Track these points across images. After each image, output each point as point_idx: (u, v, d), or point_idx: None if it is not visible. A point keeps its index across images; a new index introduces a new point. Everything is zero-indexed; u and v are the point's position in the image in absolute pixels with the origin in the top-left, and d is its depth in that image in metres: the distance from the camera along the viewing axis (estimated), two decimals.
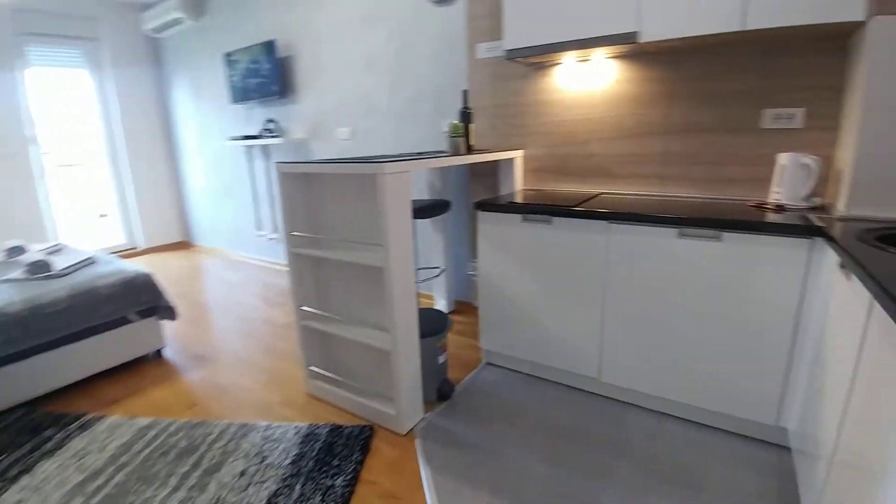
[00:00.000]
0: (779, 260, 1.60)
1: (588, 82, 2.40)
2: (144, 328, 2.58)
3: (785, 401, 1.69)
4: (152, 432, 1.98)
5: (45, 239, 4.43)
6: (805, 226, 1.53)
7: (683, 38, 1.87)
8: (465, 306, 3.25)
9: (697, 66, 2.10)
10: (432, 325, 2.10)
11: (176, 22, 4.47)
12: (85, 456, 1.84)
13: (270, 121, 4.09)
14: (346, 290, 2.13)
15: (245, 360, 2.65)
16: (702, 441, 1.82)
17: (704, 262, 1.74)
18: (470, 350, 2.63)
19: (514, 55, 2.28)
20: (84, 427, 2.03)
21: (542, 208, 2.06)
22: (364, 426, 1.97)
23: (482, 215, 2.23)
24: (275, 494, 1.61)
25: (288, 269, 2.14)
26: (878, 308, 0.97)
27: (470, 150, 2.43)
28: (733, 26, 1.73)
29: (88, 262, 2.67)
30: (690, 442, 1.82)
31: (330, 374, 2.23)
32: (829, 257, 1.46)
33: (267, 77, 3.88)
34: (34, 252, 2.75)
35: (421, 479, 1.68)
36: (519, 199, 2.28)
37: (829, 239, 1.40)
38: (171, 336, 2.97)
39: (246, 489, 1.64)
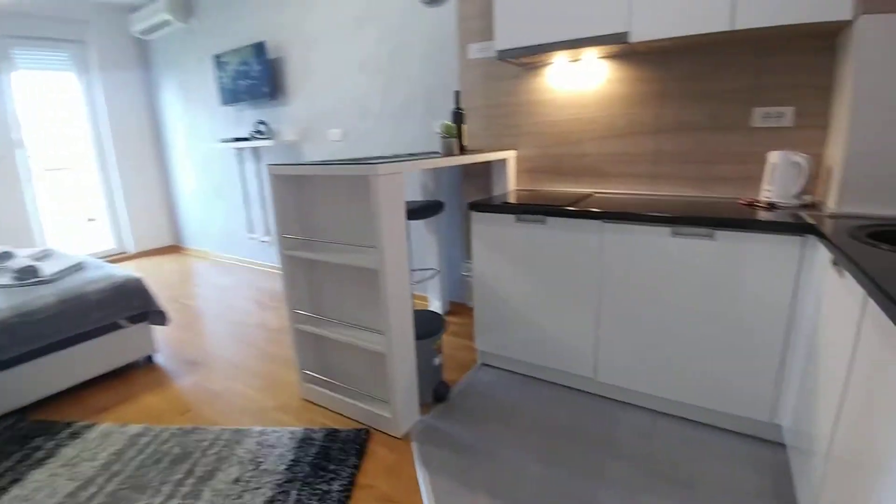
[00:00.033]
0: (771, 257, 1.61)
1: (580, 82, 2.41)
2: (135, 334, 2.55)
3: (779, 397, 1.70)
4: (144, 439, 1.95)
5: (32, 244, 4.38)
6: (797, 223, 1.55)
7: (673, 38, 1.87)
8: (459, 307, 3.25)
9: (688, 66, 2.12)
10: (427, 326, 2.09)
11: (164, 24, 4.42)
12: (76, 465, 1.81)
13: (261, 122, 4.06)
14: (340, 293, 2.11)
15: (238, 364, 2.63)
16: (697, 439, 1.83)
17: (698, 261, 1.75)
18: (465, 351, 2.62)
19: (505, 55, 2.28)
20: (75, 435, 1.99)
21: (536, 208, 2.06)
22: (360, 429, 1.96)
23: (476, 216, 2.23)
24: (270, 501, 1.59)
25: (281, 271, 2.13)
26: (872, 304, 0.97)
27: (463, 150, 2.43)
28: (723, 26, 1.74)
29: (77, 267, 2.63)
30: (686, 440, 1.83)
31: (325, 378, 2.21)
32: (821, 254, 1.47)
33: (257, 79, 3.85)
34: (22, 257, 2.71)
35: (418, 482, 1.67)
36: (512, 199, 2.28)
37: (822, 236, 1.42)
38: (163, 341, 2.94)
39: (241, 496, 1.62)
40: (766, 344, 1.68)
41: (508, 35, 2.23)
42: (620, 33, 1.94)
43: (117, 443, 1.93)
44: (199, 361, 2.68)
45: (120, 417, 2.14)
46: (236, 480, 1.69)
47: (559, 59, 2.36)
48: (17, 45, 4.26)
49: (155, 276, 4.54)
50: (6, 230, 4.24)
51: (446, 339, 2.78)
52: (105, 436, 1.98)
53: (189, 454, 1.84)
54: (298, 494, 1.61)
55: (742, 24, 1.70)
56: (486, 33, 2.61)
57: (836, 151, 1.69)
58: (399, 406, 1.91)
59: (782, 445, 1.75)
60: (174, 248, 5.61)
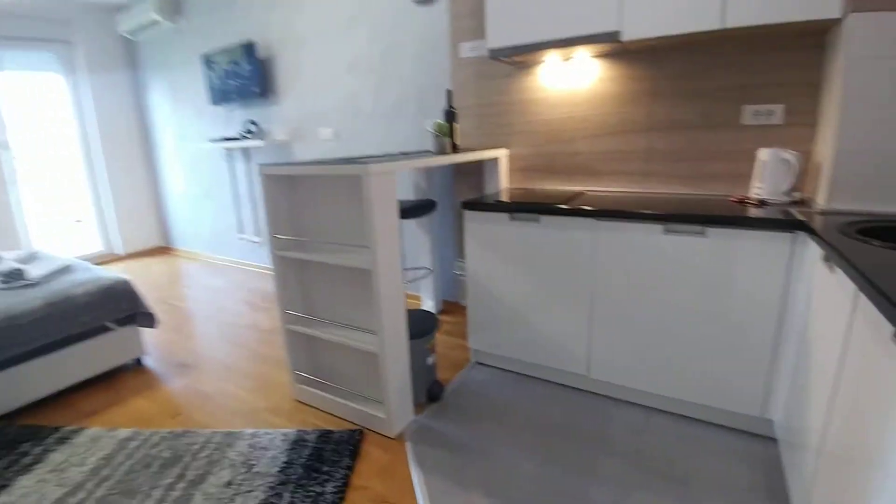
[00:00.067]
0: (762, 254, 1.62)
1: (572, 81, 2.41)
2: (123, 336, 2.51)
3: (770, 392, 1.71)
4: (134, 444, 1.92)
5: (17, 245, 4.31)
6: (787, 220, 1.56)
7: (665, 37, 1.88)
8: (452, 306, 3.24)
9: (679, 65, 2.13)
10: (420, 326, 2.08)
11: (152, 24, 4.37)
12: (65, 470, 1.78)
13: (251, 122, 4.03)
14: (332, 293, 2.10)
15: (229, 366, 2.60)
16: (690, 434, 1.84)
17: (689, 258, 1.75)
18: (458, 350, 2.61)
19: (497, 54, 2.28)
20: (63, 440, 1.96)
21: (529, 207, 2.05)
22: (353, 430, 1.94)
23: (469, 214, 2.23)
24: None
25: (272, 272, 2.11)
26: (863, 299, 0.98)
27: (455, 149, 2.42)
28: (713, 24, 1.75)
29: (65, 269, 2.59)
30: (679, 436, 1.83)
31: (317, 379, 2.19)
32: (812, 250, 1.48)
33: (247, 78, 3.82)
34: (7, 260, 2.66)
35: (412, 482, 1.66)
36: (505, 197, 2.28)
37: (812, 233, 1.43)
38: (152, 344, 2.90)
39: (233, 499, 1.60)
40: (757, 339, 1.69)
41: (500, 34, 2.23)
42: (612, 32, 1.94)
43: (106, 447, 1.90)
44: (189, 364, 2.65)
45: (109, 421, 2.11)
46: (228, 484, 1.67)
47: (551, 57, 2.36)
48: (2, 46, 4.19)
49: (144, 277, 4.48)
50: None
51: (439, 339, 2.77)
52: (94, 440, 1.95)
53: (180, 458, 1.82)
54: (292, 497, 1.59)
55: (733, 22, 1.71)
56: (478, 32, 2.60)
57: (825, 148, 1.71)
58: (392, 406, 1.89)
59: (773, 440, 1.77)
60: (163, 250, 5.55)
